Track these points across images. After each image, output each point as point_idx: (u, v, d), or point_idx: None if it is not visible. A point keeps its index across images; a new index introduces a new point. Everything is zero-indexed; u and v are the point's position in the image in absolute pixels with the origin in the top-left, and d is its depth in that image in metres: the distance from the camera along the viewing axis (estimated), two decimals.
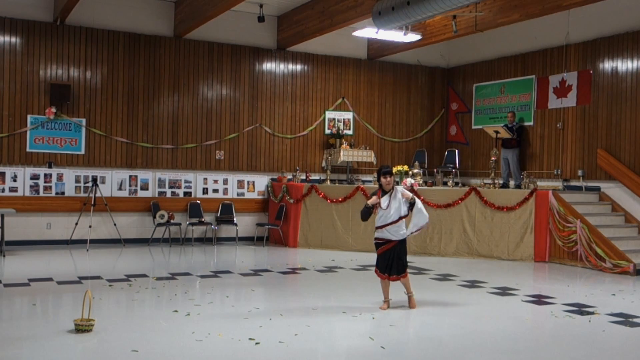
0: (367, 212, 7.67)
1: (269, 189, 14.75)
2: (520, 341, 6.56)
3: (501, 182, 13.69)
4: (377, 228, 7.74)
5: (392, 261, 7.73)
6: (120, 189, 13.57)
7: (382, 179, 7.67)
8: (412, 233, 7.88)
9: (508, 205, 12.45)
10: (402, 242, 7.79)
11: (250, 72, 14.88)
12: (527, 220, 12.32)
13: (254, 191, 14.85)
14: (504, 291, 9.20)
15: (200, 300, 8.14)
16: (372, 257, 12.18)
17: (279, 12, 14.76)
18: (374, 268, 8.01)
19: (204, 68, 14.38)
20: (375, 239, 7.84)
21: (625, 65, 12.69)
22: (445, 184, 13.90)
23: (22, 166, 12.83)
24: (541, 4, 11.31)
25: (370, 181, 14.92)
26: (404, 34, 13.14)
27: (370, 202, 7.68)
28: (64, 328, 6.45)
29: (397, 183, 13.81)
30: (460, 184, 15.20)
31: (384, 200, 7.64)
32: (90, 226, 12.74)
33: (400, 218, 7.64)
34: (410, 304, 7.87)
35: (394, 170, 14.26)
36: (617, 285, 9.91)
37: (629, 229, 12.25)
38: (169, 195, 14.01)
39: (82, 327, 6.29)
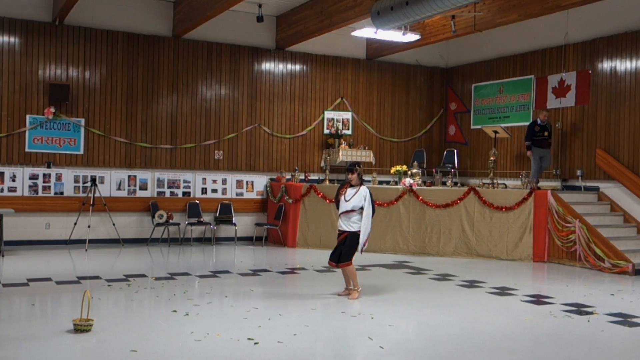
0: (337, 203, 8.55)
1: (268, 189, 14.75)
2: (519, 341, 6.56)
3: (534, 181, 13.14)
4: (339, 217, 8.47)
5: (340, 250, 8.34)
6: (119, 189, 13.57)
7: (348, 175, 8.40)
8: (362, 246, 8.34)
9: (507, 205, 12.45)
10: (353, 235, 8.27)
11: (249, 72, 14.87)
12: (526, 220, 12.33)
13: (252, 191, 14.85)
14: (502, 291, 9.20)
15: (199, 300, 8.13)
16: (371, 258, 12.23)
17: (278, 12, 14.76)
18: (349, 263, 8.39)
19: (202, 68, 14.38)
20: (338, 229, 8.54)
21: (624, 65, 12.70)
22: (444, 183, 13.91)
23: (21, 166, 12.82)
24: (540, 3, 11.31)
25: (369, 181, 14.90)
26: (403, 34, 13.15)
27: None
28: (62, 328, 6.45)
29: (396, 182, 13.81)
30: (459, 184, 15.21)
31: (349, 193, 8.32)
32: (89, 226, 12.74)
33: (354, 210, 8.21)
34: (350, 296, 8.32)
35: (393, 170, 14.31)
36: (616, 285, 9.92)
37: (628, 228, 12.25)
38: (167, 195, 14.01)
39: (81, 327, 6.29)
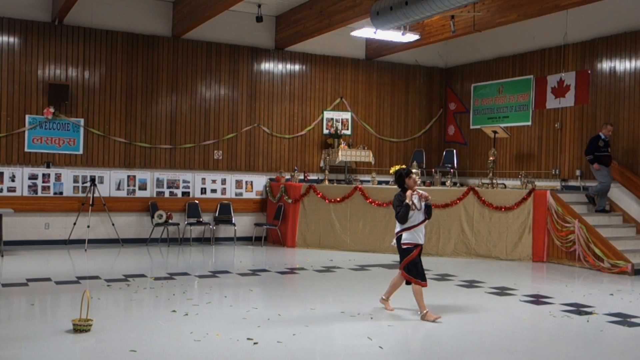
0: (408, 212, 7.26)
1: (267, 189, 14.75)
2: (519, 341, 6.56)
3: (602, 207, 12.39)
4: (407, 229, 7.34)
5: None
6: (118, 189, 13.57)
7: (408, 180, 7.43)
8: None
9: (506, 205, 12.45)
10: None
11: (249, 72, 14.88)
12: (525, 220, 12.33)
13: (252, 191, 14.85)
14: (502, 291, 9.20)
15: (198, 300, 8.13)
16: (370, 258, 12.23)
17: (277, 12, 14.76)
18: (397, 272, 7.60)
19: (202, 68, 14.38)
20: (406, 243, 7.37)
21: (623, 65, 12.71)
22: (443, 184, 13.90)
23: (20, 166, 12.81)
24: (539, 3, 11.31)
25: (368, 181, 14.93)
26: (402, 34, 13.16)
27: (408, 199, 7.27)
28: (62, 328, 6.45)
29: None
30: (458, 184, 15.20)
31: (417, 200, 7.38)
32: (88, 226, 12.74)
33: (424, 220, 7.44)
34: (428, 317, 7.34)
35: (392, 170, 14.24)
36: (615, 285, 9.92)
37: (627, 228, 12.25)
38: (167, 195, 14.01)
39: (80, 327, 6.29)
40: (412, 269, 7.34)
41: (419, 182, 7.43)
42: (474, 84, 16.28)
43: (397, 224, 7.45)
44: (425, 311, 7.25)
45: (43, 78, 12.96)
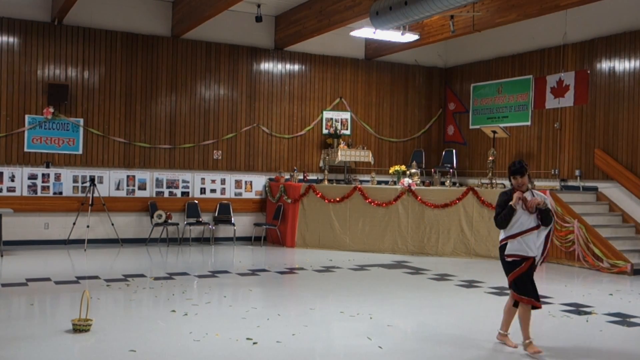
0: (510, 216, 6.08)
1: (267, 189, 14.75)
2: (518, 341, 6.55)
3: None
4: (510, 238, 6.11)
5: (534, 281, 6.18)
6: (117, 188, 13.57)
7: (513, 180, 6.18)
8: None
9: None
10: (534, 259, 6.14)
11: (248, 72, 14.87)
12: None
13: (251, 191, 14.85)
14: (501, 291, 9.20)
15: (197, 300, 8.14)
16: (369, 258, 12.23)
17: (277, 12, 14.76)
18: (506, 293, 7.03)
19: (201, 68, 14.38)
20: (510, 255, 6.11)
21: (622, 65, 12.71)
22: (442, 184, 13.91)
23: (19, 166, 12.81)
24: (539, 3, 11.31)
25: (367, 181, 14.93)
26: (402, 34, 13.17)
27: (514, 201, 6.04)
28: (61, 328, 6.45)
29: (395, 182, 13.81)
30: (457, 184, 15.20)
31: (519, 206, 6.09)
32: (87, 226, 12.73)
33: (538, 226, 6.06)
34: (530, 349, 6.07)
35: (391, 170, 14.29)
36: (614, 285, 9.92)
37: (627, 228, 12.25)
38: (166, 195, 14.01)
39: (80, 327, 6.29)
40: (521, 285, 6.05)
41: (526, 188, 6.14)
42: (473, 84, 16.28)
43: (502, 230, 6.24)
44: (528, 341, 6.05)
45: (43, 78, 12.96)
